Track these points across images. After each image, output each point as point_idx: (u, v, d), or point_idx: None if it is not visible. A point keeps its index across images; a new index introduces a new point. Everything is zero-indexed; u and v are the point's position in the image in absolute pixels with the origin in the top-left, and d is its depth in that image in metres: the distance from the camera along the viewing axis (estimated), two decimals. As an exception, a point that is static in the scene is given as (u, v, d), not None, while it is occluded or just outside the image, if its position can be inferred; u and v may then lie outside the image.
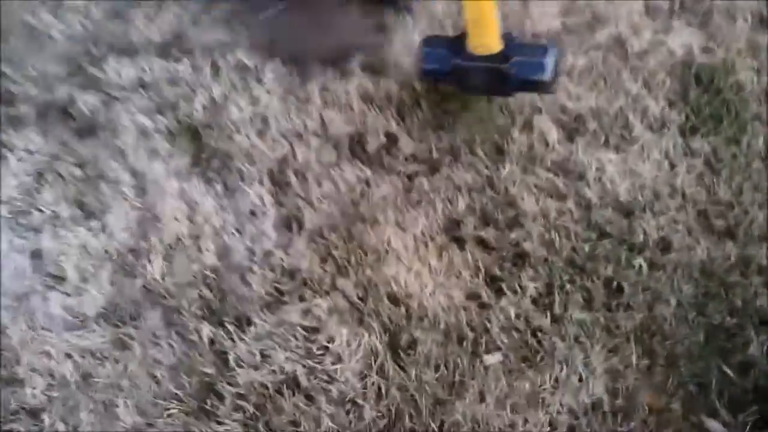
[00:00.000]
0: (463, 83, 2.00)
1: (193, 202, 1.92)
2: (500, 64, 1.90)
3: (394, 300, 1.76)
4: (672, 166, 2.03)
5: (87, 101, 2.13)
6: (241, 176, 1.99)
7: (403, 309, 1.75)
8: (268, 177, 1.99)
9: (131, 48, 2.26)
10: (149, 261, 1.82)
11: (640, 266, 1.83)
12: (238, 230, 1.87)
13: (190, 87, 2.17)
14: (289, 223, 1.89)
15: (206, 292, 1.77)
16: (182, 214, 1.89)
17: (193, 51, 2.25)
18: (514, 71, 1.90)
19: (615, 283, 1.80)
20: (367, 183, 1.98)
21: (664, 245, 1.87)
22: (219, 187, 1.96)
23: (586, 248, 1.85)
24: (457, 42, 1.95)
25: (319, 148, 2.04)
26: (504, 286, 1.79)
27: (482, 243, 1.87)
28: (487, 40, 1.90)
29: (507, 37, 1.93)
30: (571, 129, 2.12)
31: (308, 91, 2.17)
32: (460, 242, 1.87)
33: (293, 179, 1.98)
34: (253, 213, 1.91)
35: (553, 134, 2.09)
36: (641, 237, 1.88)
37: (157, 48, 2.26)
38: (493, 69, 1.92)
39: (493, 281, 1.81)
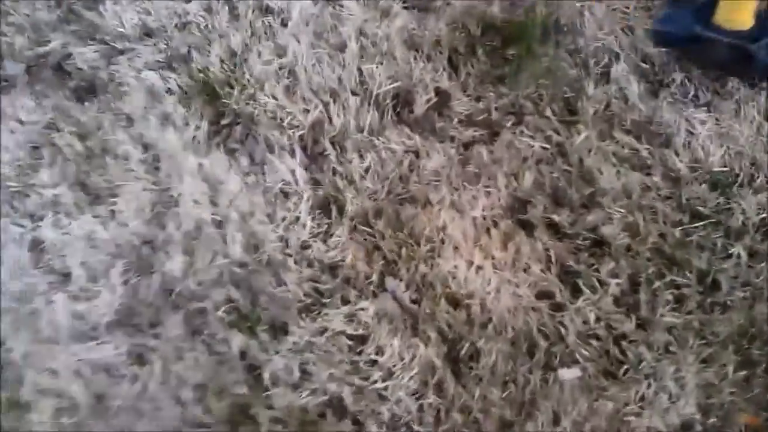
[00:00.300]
0: (700, 55, 1.80)
1: (216, 181, 1.64)
2: (748, 43, 1.70)
3: (453, 302, 1.51)
4: (773, 128, 1.72)
5: (84, 55, 1.82)
6: (268, 146, 1.70)
7: (463, 313, 1.50)
8: (300, 147, 1.69)
9: (132, -16, 1.92)
10: (167, 254, 1.56)
11: (739, 255, 1.56)
12: (268, 216, 1.60)
13: (203, 34, 1.84)
14: (328, 207, 1.62)
15: (234, 293, 1.52)
16: (203, 195, 1.62)
17: (206, -12, 1.91)
18: (763, 54, 1.69)
19: (710, 278, 1.54)
20: (417, 154, 1.69)
21: (766, 229, 1.59)
22: (244, 161, 1.68)
23: (677, 234, 1.58)
24: (705, 9, 1.74)
25: (359, 110, 1.73)
26: (581, 282, 1.53)
27: (554, 228, 1.60)
28: (740, 15, 1.71)
29: (760, 16, 1.71)
30: (655, 81, 1.80)
31: (343, 35, 1.84)
32: (527, 227, 1.60)
33: (330, 150, 1.69)
34: (285, 194, 1.64)
35: (634, 87, 1.77)
36: (740, 219, 1.59)
37: (163, -15, 1.92)
38: (739, 47, 1.72)
39: (567, 276, 1.55)
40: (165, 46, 1.82)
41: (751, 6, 1.70)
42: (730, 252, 1.56)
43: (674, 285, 1.53)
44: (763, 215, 1.59)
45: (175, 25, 1.85)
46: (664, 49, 1.81)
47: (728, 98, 1.76)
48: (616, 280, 1.53)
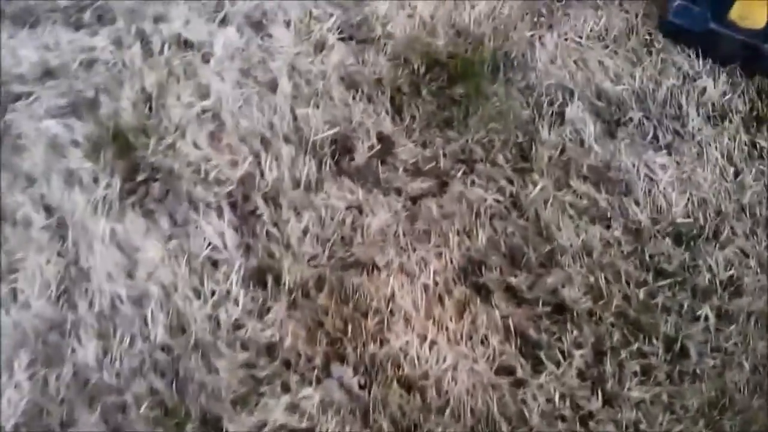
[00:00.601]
0: (712, 50, 1.77)
1: (132, 249, 1.44)
2: (761, 42, 1.70)
3: (406, 384, 1.37)
4: (736, 172, 1.63)
5: (-28, 100, 1.57)
6: (192, 205, 1.50)
7: (418, 397, 1.35)
8: (228, 205, 1.51)
9: (29, 14, 1.67)
10: (79, 340, 1.36)
11: (707, 318, 1.46)
12: (194, 290, 1.41)
13: (112, 73, 1.62)
14: (263, 277, 1.44)
15: (158, 383, 1.34)
16: (117, 267, 1.42)
17: (115, 18, 1.68)
18: None
19: (678, 345, 1.44)
20: (360, 210, 1.52)
21: (734, 288, 1.50)
22: (164, 223, 1.47)
23: (641, 295, 1.47)
24: (720, 5, 1.73)
25: (294, 161, 1.55)
26: (543, 354, 1.41)
27: (511, 292, 1.47)
28: (755, 14, 1.70)
29: None
30: (612, 121, 1.68)
31: (273, 71, 1.65)
32: (483, 292, 1.46)
33: (263, 208, 1.50)
34: (213, 262, 1.45)
35: (590, 128, 1.65)
36: (706, 277, 1.50)
37: (65, 15, 1.67)
38: (751, 45, 1.71)
39: (528, 347, 1.42)
40: (68, 89, 1.59)
41: (766, 6, 1.69)
42: (697, 314, 1.47)
43: (641, 354, 1.42)
44: (731, 272, 1.50)
45: (80, 63, 1.62)
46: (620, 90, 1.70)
47: (689, 139, 1.66)
48: (580, 351, 1.41)
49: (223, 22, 1.70)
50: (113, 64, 1.63)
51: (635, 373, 1.41)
